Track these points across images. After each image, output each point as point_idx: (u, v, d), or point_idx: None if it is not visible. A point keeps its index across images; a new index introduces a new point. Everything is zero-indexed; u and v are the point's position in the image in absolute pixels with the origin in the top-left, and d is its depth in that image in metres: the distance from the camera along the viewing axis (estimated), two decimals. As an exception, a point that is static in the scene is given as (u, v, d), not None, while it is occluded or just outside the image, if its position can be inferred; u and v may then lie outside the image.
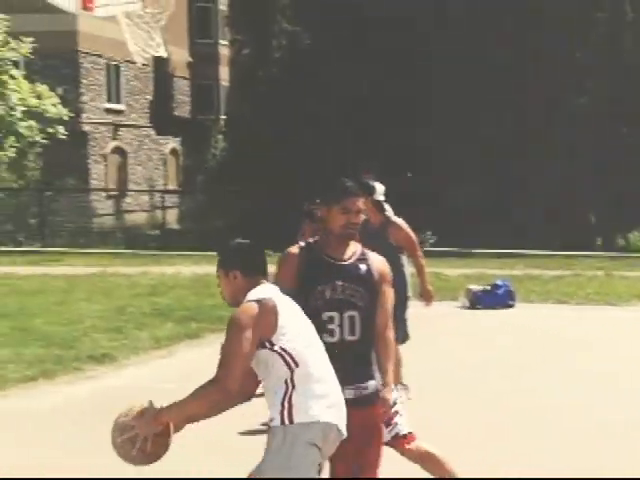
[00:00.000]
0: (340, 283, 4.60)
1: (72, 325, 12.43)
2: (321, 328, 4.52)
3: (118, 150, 34.46)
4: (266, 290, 4.40)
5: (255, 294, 4.34)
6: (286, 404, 4.26)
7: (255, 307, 4.27)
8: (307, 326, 4.45)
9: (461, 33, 29.00)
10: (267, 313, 4.28)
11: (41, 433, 7.40)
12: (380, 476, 4.73)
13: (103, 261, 20.69)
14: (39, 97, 16.31)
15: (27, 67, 21.22)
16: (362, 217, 4.75)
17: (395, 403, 5.29)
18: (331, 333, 4.57)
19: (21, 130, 16.00)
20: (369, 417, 4.60)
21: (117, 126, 34.22)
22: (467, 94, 28.60)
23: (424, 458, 5.41)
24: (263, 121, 31.97)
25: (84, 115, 31.52)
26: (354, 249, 4.74)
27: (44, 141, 16.47)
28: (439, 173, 28.65)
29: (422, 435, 5.45)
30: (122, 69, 34.08)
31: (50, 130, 16.61)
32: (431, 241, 24.41)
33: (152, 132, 37.20)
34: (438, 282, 17.16)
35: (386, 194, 8.35)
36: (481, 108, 28.59)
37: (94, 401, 8.57)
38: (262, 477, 4.28)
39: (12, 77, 16.04)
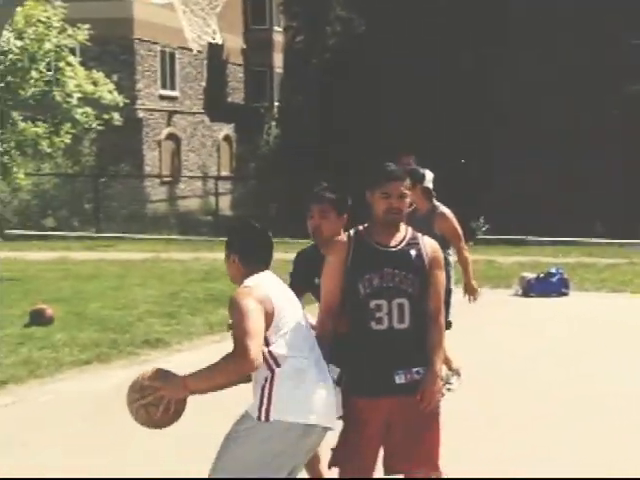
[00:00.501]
0: (389, 270, 4.53)
1: (126, 310, 12.57)
2: (368, 316, 4.50)
3: (172, 136, 34.69)
4: (263, 281, 4.44)
5: (252, 282, 4.40)
6: (265, 400, 4.32)
7: (253, 290, 4.34)
8: (299, 318, 4.49)
9: (524, 27, 28.83)
10: (267, 301, 4.33)
11: (96, 416, 7.50)
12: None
13: (156, 247, 20.87)
14: (95, 84, 16.41)
15: (83, 54, 21.38)
16: (407, 202, 4.66)
17: None
18: (379, 321, 4.50)
19: (77, 117, 16.10)
20: (417, 403, 4.51)
21: (171, 113, 34.43)
22: (523, 79, 28.37)
23: None
24: (316, 108, 31.97)
25: (139, 102, 31.77)
26: (404, 234, 4.65)
27: (100, 127, 16.57)
28: (493, 159, 28.46)
29: (470, 425, 5.44)
30: (177, 56, 34.27)
31: (106, 116, 16.71)
32: (484, 228, 24.28)
33: (206, 119, 37.37)
34: (491, 270, 17.11)
35: (435, 180, 8.30)
36: (540, 93, 28.34)
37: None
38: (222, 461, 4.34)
39: (69, 64, 16.15)
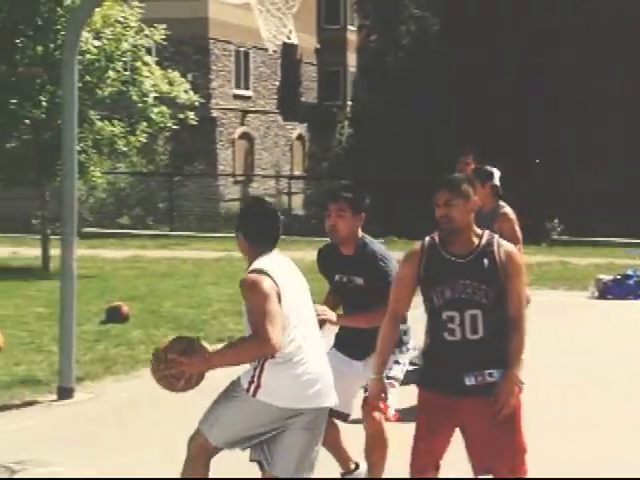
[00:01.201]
0: (460, 282, 4.47)
1: (200, 308, 12.66)
2: (441, 327, 4.48)
3: (245, 136, 34.88)
4: (270, 264, 4.61)
5: (262, 265, 4.58)
6: (255, 380, 4.56)
7: (266, 275, 4.53)
8: (300, 303, 4.66)
9: (591, 29, 28.47)
10: (274, 288, 4.52)
11: (172, 414, 7.55)
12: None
13: (229, 246, 20.95)
14: (171, 83, 16.57)
15: (159, 54, 21.64)
16: (456, 210, 4.55)
17: (395, 379, 5.34)
18: (452, 332, 4.47)
19: (153, 116, 16.29)
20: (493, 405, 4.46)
21: (245, 112, 34.62)
22: (595, 79, 27.98)
23: (377, 436, 5.34)
24: (389, 108, 31.88)
25: (213, 101, 32.00)
26: (477, 242, 4.57)
27: (175, 127, 16.72)
28: (567, 159, 28.10)
29: (557, 427, 5.36)
30: (251, 55, 34.45)
31: (181, 116, 16.86)
32: (558, 229, 24.00)
33: (279, 118, 37.51)
34: (566, 271, 16.91)
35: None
36: (611, 91, 27.93)
37: (225, 382, 8.69)
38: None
39: (145, 64, 16.33)
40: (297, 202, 32.72)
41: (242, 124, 34.55)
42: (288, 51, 36.28)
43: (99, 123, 16.06)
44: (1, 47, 15.64)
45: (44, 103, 15.55)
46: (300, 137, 39.26)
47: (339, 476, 5.69)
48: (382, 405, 5.16)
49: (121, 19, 16.01)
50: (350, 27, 41.27)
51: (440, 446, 4.59)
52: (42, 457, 6.65)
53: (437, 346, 4.54)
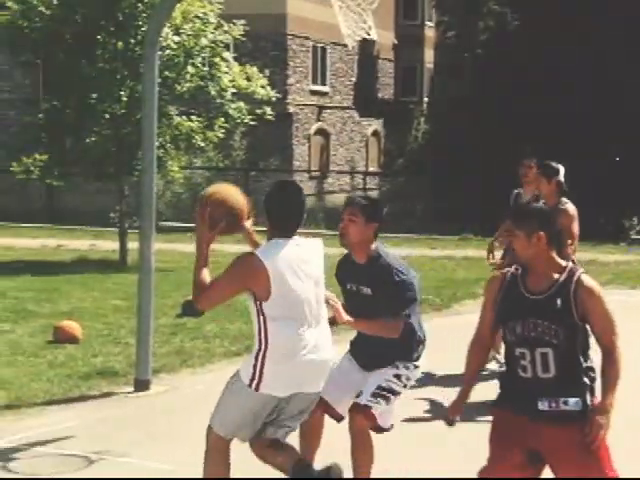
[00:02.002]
0: (532, 320, 4.35)
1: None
2: (515, 362, 4.42)
3: (321, 131, 34.91)
4: (272, 250, 4.85)
5: (262, 250, 4.89)
6: (257, 376, 4.83)
7: (252, 261, 4.81)
8: (305, 294, 4.83)
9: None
10: (260, 274, 4.75)
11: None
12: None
13: (305, 240, 21.04)
14: (249, 79, 16.63)
15: (237, 49, 21.75)
16: (515, 241, 4.42)
17: (393, 393, 5.37)
18: (524, 369, 4.39)
19: (230, 111, 16.37)
20: (572, 435, 4.29)
21: (321, 108, 34.65)
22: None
23: (359, 435, 5.35)
24: (466, 104, 31.65)
25: (290, 97, 32.09)
26: (557, 277, 4.38)
27: (252, 122, 16.79)
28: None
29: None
30: (328, 51, 34.46)
31: (258, 111, 16.92)
32: (638, 228, 23.55)
33: (355, 114, 37.47)
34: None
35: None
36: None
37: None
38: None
39: (223, 59, 16.43)
40: (372, 198, 32.64)
41: (318, 120, 34.58)
42: (365, 47, 36.21)
43: (177, 118, 16.20)
44: (82, 43, 15.86)
45: (124, 98, 15.73)
46: (376, 133, 39.18)
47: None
48: (368, 415, 5.29)
49: (201, 15, 16.12)
50: (428, 23, 41.05)
51: (509, 467, 4.43)
52: (118, 448, 6.74)
53: (512, 377, 4.47)
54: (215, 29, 16.35)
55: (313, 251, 5.06)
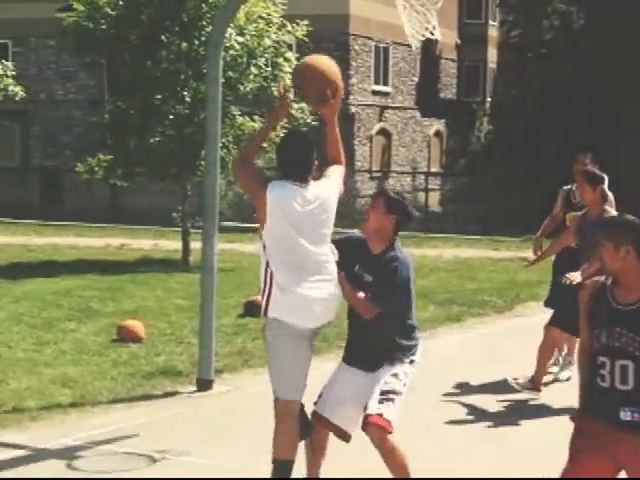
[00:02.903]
0: (617, 330, 4.32)
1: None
2: (595, 370, 4.39)
3: (383, 132, 34.82)
4: (279, 187, 5.31)
5: (270, 184, 5.35)
6: (265, 301, 5.36)
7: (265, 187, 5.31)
8: (302, 229, 5.23)
9: None
10: (264, 198, 5.27)
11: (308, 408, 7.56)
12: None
13: (366, 241, 20.99)
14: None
15: (299, 50, 21.73)
16: (604, 252, 4.39)
17: (396, 393, 5.39)
18: (602, 378, 4.35)
19: (292, 112, 16.39)
20: None
21: (383, 108, 34.56)
22: None
23: (388, 449, 5.35)
24: (530, 104, 31.34)
25: (352, 97, 32.05)
26: None
27: (314, 123, 16.79)
28: None
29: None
30: (390, 51, 34.36)
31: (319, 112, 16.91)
32: None
33: (417, 114, 37.31)
34: None
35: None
36: None
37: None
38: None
39: (286, 60, 16.46)
40: (434, 199, 32.50)
41: (380, 120, 34.49)
42: (428, 47, 36.03)
43: (240, 119, 16.26)
44: (147, 43, 16.00)
45: (187, 99, 15.84)
46: (438, 133, 38.98)
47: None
48: (382, 423, 5.30)
49: (264, 16, 16.17)
50: (491, 22, 40.73)
51: (588, 471, 4.38)
52: (181, 447, 6.77)
53: (593, 386, 4.43)
54: (278, 30, 16.39)
55: (320, 193, 5.39)
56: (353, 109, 32.29)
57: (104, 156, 16.80)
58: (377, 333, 5.47)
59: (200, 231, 9.10)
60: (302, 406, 5.54)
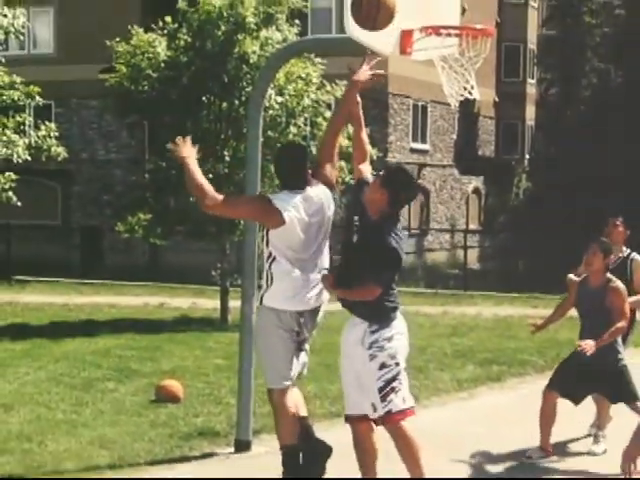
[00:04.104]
0: None
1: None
2: None
3: (422, 189, 34.85)
4: (284, 197, 6.00)
5: (274, 197, 6.07)
6: (264, 287, 6.11)
7: (268, 202, 6.03)
8: (311, 235, 6.06)
9: None
10: (273, 210, 5.91)
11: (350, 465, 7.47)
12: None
13: (405, 300, 20.79)
14: (349, 138, 16.72)
15: (338, 108, 21.88)
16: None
17: (394, 379, 5.79)
18: None
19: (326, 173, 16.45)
20: None
21: (421, 165, 34.63)
22: None
23: (406, 441, 5.77)
24: (568, 162, 31.26)
25: (390, 155, 32.16)
26: None
27: (352, 181, 16.81)
28: None
29: None
30: (429, 109, 34.49)
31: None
32: None
33: (455, 171, 37.35)
34: None
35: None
36: None
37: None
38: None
39: (325, 119, 16.57)
40: (473, 256, 32.36)
41: (418, 177, 34.54)
42: (466, 105, 36.10)
43: (279, 178, 16.32)
44: (188, 104, 16.17)
45: (227, 158, 15.95)
46: (476, 191, 38.95)
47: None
48: (395, 419, 5.77)
49: (303, 76, 16.30)
50: (530, 80, 40.83)
51: None
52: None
53: None
54: (317, 89, 16.50)
55: (320, 199, 6.16)
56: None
57: (144, 215, 16.91)
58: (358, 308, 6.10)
59: (239, 289, 9.09)
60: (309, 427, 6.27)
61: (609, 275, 7.97)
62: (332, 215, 6.32)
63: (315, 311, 6.34)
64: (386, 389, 5.77)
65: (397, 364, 5.85)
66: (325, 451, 6.15)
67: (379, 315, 5.98)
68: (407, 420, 5.84)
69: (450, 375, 11.82)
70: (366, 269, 5.90)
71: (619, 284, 7.90)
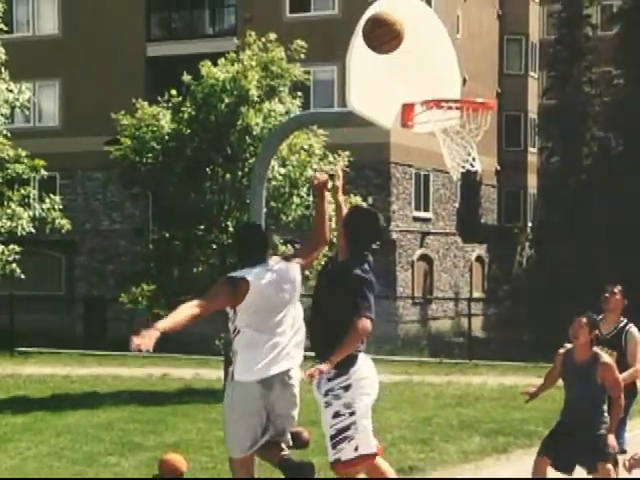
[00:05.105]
0: None
1: (380, 434, 12.44)
2: None
3: (425, 257, 34.87)
4: (249, 271, 6.08)
5: (237, 273, 6.16)
6: (233, 364, 6.10)
7: (229, 280, 6.09)
8: (277, 304, 6.08)
9: None
10: (239, 288, 5.97)
11: None
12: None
13: (409, 369, 20.79)
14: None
15: (340, 178, 21.99)
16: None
17: (347, 428, 5.83)
18: None
19: (335, 240, 16.47)
20: None
21: (424, 234, 34.70)
22: None
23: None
24: (571, 230, 31.33)
25: (393, 223, 32.24)
26: None
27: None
28: None
29: None
30: (431, 178, 34.67)
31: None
32: None
33: (458, 239, 37.40)
34: None
35: None
36: None
37: None
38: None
39: (328, 190, 16.62)
40: (477, 324, 32.25)
41: (421, 246, 34.59)
42: (468, 174, 36.20)
43: (282, 247, 16.37)
44: (192, 175, 16.28)
45: (230, 228, 16.00)
46: (479, 259, 38.96)
47: None
48: (342, 469, 5.90)
49: (306, 147, 16.42)
50: (531, 149, 41.08)
51: None
52: None
53: None
54: (320, 160, 16.61)
55: (286, 273, 6.21)
56: (394, 235, 32.43)
57: (147, 285, 16.92)
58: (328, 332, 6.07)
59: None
60: None
61: (596, 349, 7.86)
62: (299, 285, 6.32)
63: (286, 380, 6.15)
64: (337, 437, 5.86)
65: (352, 414, 5.86)
66: None
67: (338, 362, 5.95)
68: (360, 466, 5.97)
69: (456, 447, 11.72)
70: (344, 309, 5.94)
71: (607, 358, 7.80)
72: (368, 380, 6.13)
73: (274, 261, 6.32)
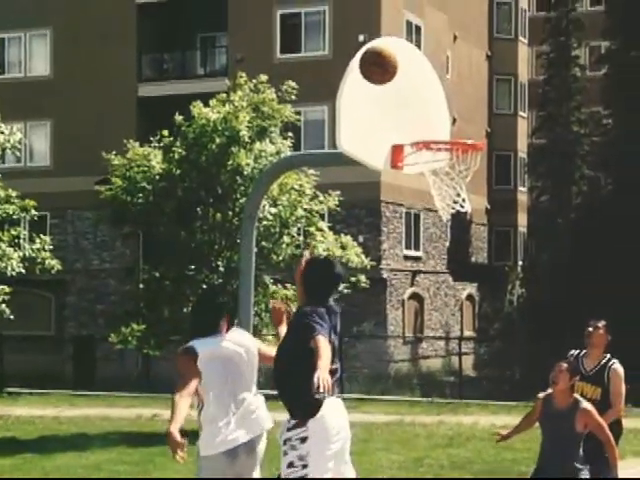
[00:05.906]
0: None
1: (371, 475, 12.39)
2: None
3: (415, 296, 34.88)
4: (200, 343, 6.13)
5: (189, 344, 6.21)
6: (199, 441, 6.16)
7: (182, 352, 6.23)
8: (228, 373, 6.09)
9: None
10: (191, 355, 6.08)
11: None
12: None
13: (400, 409, 20.70)
14: (343, 247, 16.83)
15: (331, 217, 22.08)
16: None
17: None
18: None
19: (325, 279, 16.48)
20: None
21: (415, 272, 34.73)
22: None
23: None
24: (562, 269, 31.41)
25: (383, 262, 32.28)
26: None
27: (346, 290, 16.86)
28: None
29: None
30: (421, 217, 34.77)
31: (353, 279, 17.02)
32: None
33: (449, 278, 37.44)
34: None
35: None
36: None
37: None
38: None
39: (319, 229, 16.69)
40: (468, 363, 32.19)
41: (412, 285, 34.62)
42: (458, 212, 36.36)
43: (273, 287, 16.36)
44: (182, 215, 16.30)
45: (221, 268, 16.00)
46: (470, 297, 38.99)
47: None
48: None
49: (297, 187, 16.47)
50: (521, 188, 41.27)
51: None
52: None
53: None
54: (311, 200, 16.66)
55: (239, 340, 6.27)
56: (385, 274, 32.46)
57: (137, 325, 16.87)
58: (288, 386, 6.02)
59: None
60: None
61: (576, 396, 7.72)
62: (256, 352, 6.35)
63: (250, 448, 6.23)
64: None
65: (304, 466, 5.79)
66: None
67: (297, 410, 5.90)
68: None
69: (447, 488, 11.65)
70: (298, 353, 5.85)
71: (587, 405, 7.63)
72: (331, 430, 5.95)
73: (232, 333, 6.37)
